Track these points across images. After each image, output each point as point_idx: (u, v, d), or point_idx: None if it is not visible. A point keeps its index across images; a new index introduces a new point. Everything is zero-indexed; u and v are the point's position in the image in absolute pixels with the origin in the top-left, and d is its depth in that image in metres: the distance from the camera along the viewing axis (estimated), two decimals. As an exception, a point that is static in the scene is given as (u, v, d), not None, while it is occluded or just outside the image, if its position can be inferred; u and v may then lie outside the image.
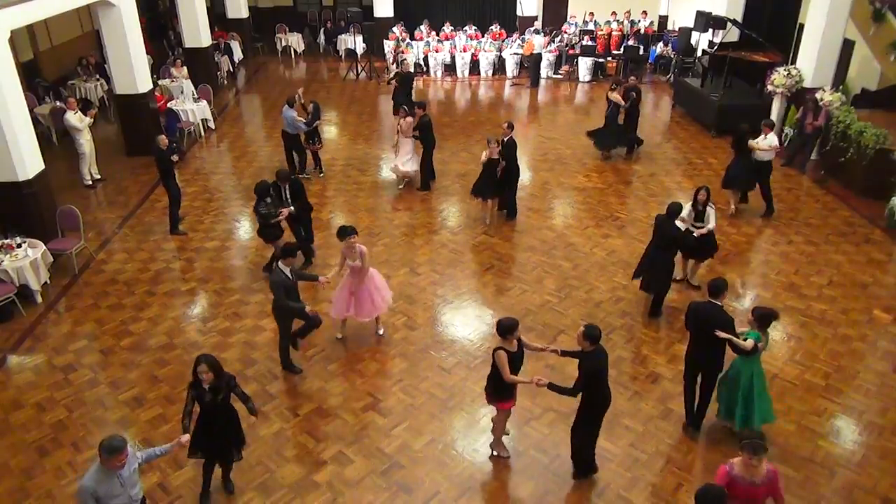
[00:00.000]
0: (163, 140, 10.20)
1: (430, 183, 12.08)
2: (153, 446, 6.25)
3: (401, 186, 12.12)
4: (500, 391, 5.94)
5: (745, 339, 6.10)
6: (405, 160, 11.83)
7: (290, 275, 7.01)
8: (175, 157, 10.40)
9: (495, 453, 6.37)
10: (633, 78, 13.74)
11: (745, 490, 4.66)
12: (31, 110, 11.34)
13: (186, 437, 5.17)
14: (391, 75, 14.92)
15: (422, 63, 19.65)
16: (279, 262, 7.01)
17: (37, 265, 8.67)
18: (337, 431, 6.68)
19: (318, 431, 6.68)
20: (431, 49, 19.57)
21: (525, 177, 12.55)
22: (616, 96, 12.88)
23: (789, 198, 11.77)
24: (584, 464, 6.12)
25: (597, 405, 5.87)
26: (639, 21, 20.37)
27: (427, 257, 9.86)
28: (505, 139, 10.41)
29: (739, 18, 16.45)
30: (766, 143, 10.56)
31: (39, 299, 8.76)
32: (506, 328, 5.75)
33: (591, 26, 20.10)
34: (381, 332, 8.10)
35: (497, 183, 10.46)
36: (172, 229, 10.55)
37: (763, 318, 6.13)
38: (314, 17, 24.37)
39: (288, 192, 9.12)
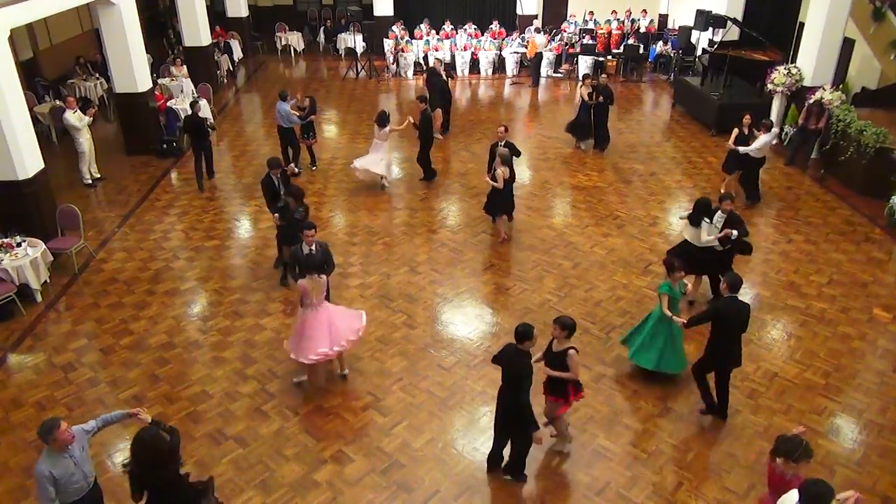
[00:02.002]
0: (198, 109, 12.37)
1: (432, 177, 12.32)
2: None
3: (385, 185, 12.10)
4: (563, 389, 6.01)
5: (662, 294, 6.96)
6: (375, 161, 11.75)
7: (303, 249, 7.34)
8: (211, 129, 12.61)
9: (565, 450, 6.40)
10: (603, 77, 13.93)
11: (784, 485, 4.71)
12: (30, 109, 11.35)
13: (144, 413, 4.97)
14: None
15: (422, 62, 19.65)
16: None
17: (37, 264, 8.67)
18: (337, 430, 6.68)
19: (317, 430, 6.68)
20: (431, 48, 19.56)
21: (525, 176, 12.57)
22: (583, 91, 13.33)
23: (789, 196, 11.77)
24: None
25: (503, 405, 5.86)
26: (639, 20, 20.37)
27: (427, 256, 9.86)
28: (501, 143, 10.34)
29: (739, 17, 16.46)
30: (756, 143, 10.62)
31: (39, 298, 8.77)
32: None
33: (591, 25, 20.10)
34: (345, 372, 7.43)
35: (509, 201, 10.20)
36: (209, 175, 12.39)
37: (667, 264, 7.00)
38: (314, 15, 24.36)
39: (280, 182, 9.14)
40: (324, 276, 6.90)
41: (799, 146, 12.82)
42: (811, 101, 12.53)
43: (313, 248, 7.34)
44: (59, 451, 4.63)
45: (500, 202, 9.98)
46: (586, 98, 13.29)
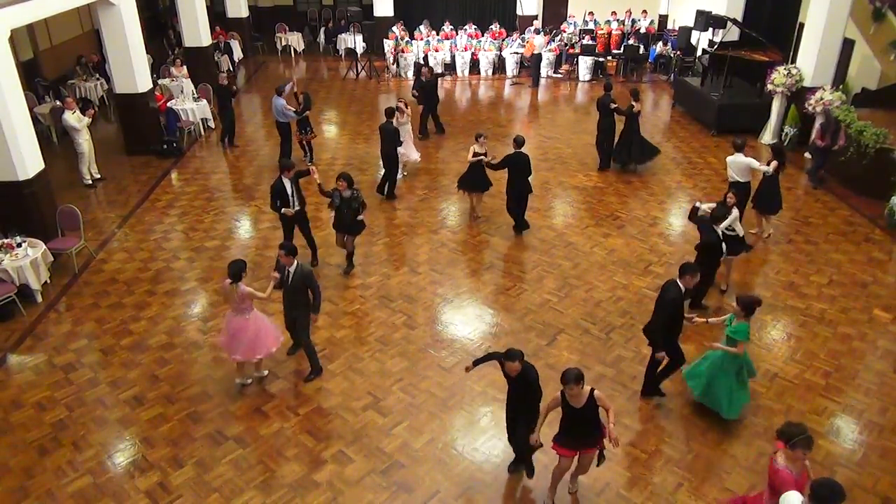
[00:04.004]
0: (222, 77, 13.79)
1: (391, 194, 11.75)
2: (145, 451, 6.31)
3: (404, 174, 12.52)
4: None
5: (729, 327, 6.39)
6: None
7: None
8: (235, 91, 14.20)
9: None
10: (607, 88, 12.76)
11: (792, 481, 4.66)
12: (30, 110, 11.35)
13: None
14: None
15: (421, 62, 19.64)
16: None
17: (37, 264, 8.67)
18: (337, 431, 6.68)
19: (318, 431, 6.68)
20: (431, 48, 19.57)
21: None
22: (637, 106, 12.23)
23: (789, 197, 11.74)
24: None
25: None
26: (639, 20, 20.37)
27: (427, 256, 9.86)
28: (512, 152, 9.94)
29: (739, 17, 16.46)
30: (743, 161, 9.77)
31: (40, 299, 8.76)
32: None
33: (591, 26, 20.10)
34: (265, 373, 7.41)
35: (483, 179, 10.54)
36: (230, 143, 14.01)
37: (747, 305, 6.27)
38: (314, 16, 24.38)
39: (293, 184, 8.78)
40: (241, 287, 6.63)
41: (821, 167, 12.09)
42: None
43: (292, 270, 6.89)
44: None
45: (468, 179, 10.59)
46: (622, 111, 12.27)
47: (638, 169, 12.76)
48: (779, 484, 4.63)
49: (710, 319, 6.99)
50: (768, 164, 9.71)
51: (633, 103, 12.04)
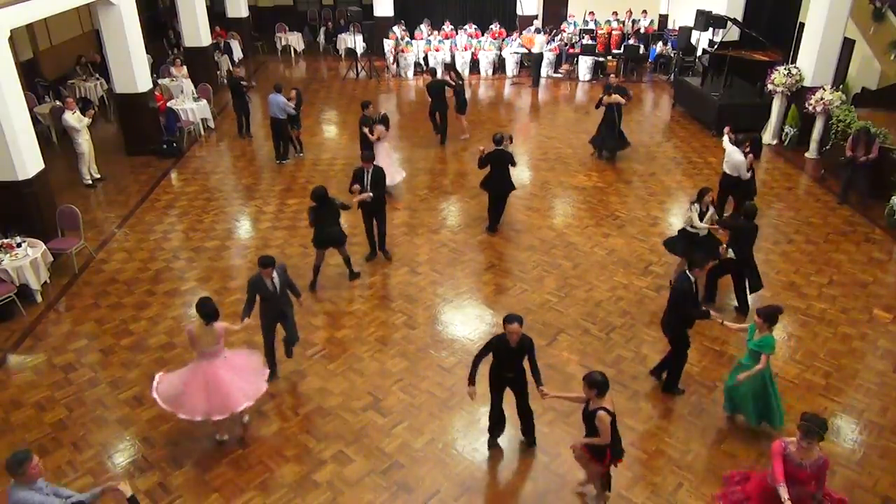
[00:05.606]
0: (237, 72, 14.81)
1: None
2: (145, 451, 6.32)
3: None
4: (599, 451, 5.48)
5: (751, 340, 6.26)
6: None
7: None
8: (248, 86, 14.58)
9: None
10: (612, 77, 13.53)
11: (792, 470, 4.87)
12: (30, 110, 11.35)
13: (125, 485, 4.64)
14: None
15: (422, 62, 19.66)
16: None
17: (37, 264, 8.67)
18: (337, 431, 6.68)
19: (318, 431, 6.68)
20: (431, 48, 19.56)
21: (525, 176, 12.58)
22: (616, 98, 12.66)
23: (790, 197, 11.77)
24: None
25: None
26: (639, 20, 20.37)
27: (427, 256, 9.85)
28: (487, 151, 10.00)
29: (739, 17, 16.47)
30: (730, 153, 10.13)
31: (39, 299, 8.76)
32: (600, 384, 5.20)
33: (591, 25, 20.10)
34: (245, 419, 6.67)
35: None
36: (247, 132, 14.66)
37: (770, 316, 6.14)
38: (314, 16, 24.36)
39: (369, 177, 9.04)
40: (217, 325, 6.08)
41: (850, 181, 11.39)
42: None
43: (275, 277, 6.84)
44: (28, 485, 4.40)
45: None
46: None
47: (604, 156, 13.29)
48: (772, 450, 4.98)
49: (726, 322, 6.87)
50: (745, 156, 9.98)
51: (602, 96, 12.66)
